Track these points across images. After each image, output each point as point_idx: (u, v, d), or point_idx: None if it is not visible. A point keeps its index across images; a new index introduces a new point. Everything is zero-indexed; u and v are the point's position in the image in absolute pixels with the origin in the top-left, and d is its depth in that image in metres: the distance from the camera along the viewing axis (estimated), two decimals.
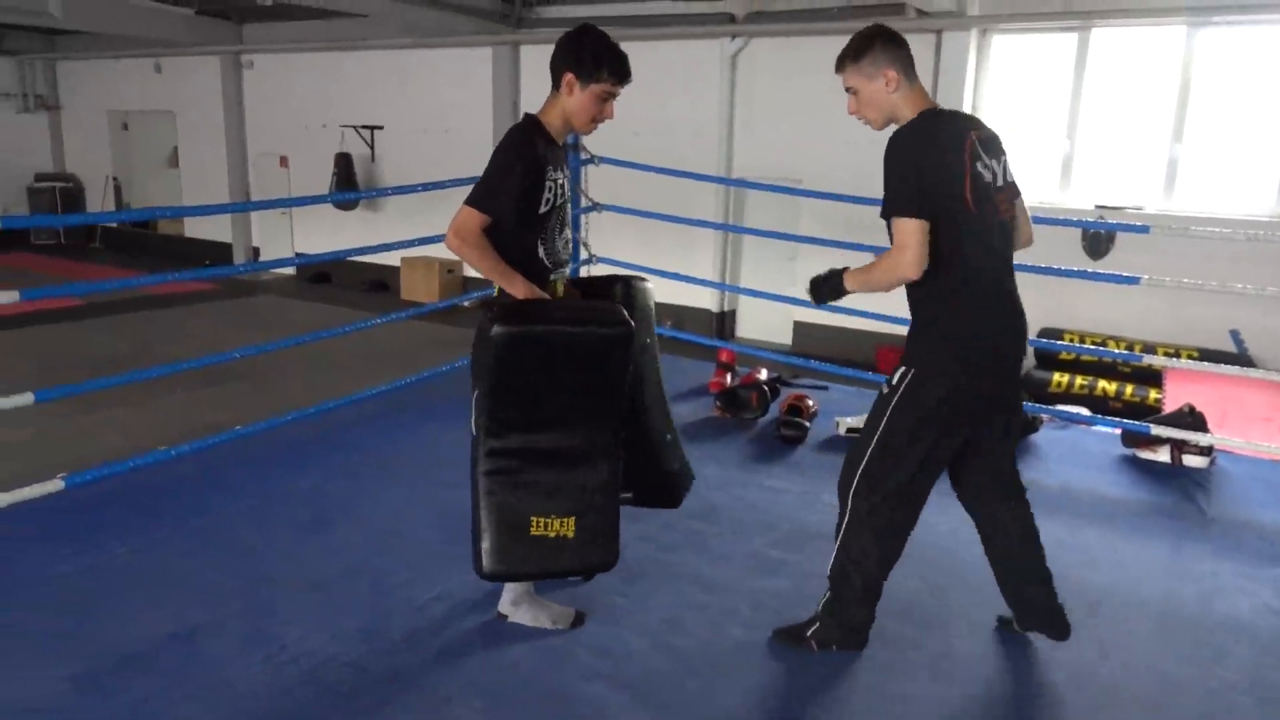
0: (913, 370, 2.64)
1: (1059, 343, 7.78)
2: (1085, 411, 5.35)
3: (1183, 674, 2.85)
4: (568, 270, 2.93)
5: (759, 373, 5.54)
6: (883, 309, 4.90)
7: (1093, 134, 8.57)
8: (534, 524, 2.69)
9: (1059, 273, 4.95)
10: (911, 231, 2.47)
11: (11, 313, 8.69)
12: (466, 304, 7.50)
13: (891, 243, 2.59)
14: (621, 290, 3.00)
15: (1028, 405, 4.47)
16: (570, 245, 2.93)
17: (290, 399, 5.13)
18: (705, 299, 10.42)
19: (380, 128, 12.74)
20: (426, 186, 5.68)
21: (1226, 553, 3.69)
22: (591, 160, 5.87)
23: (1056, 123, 8.66)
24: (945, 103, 2.68)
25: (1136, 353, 7.50)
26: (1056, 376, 8.13)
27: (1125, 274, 4.90)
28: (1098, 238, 8.25)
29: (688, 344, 6.70)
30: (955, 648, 2.94)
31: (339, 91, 12.95)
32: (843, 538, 2.76)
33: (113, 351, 7.81)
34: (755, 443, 4.86)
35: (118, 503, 3.82)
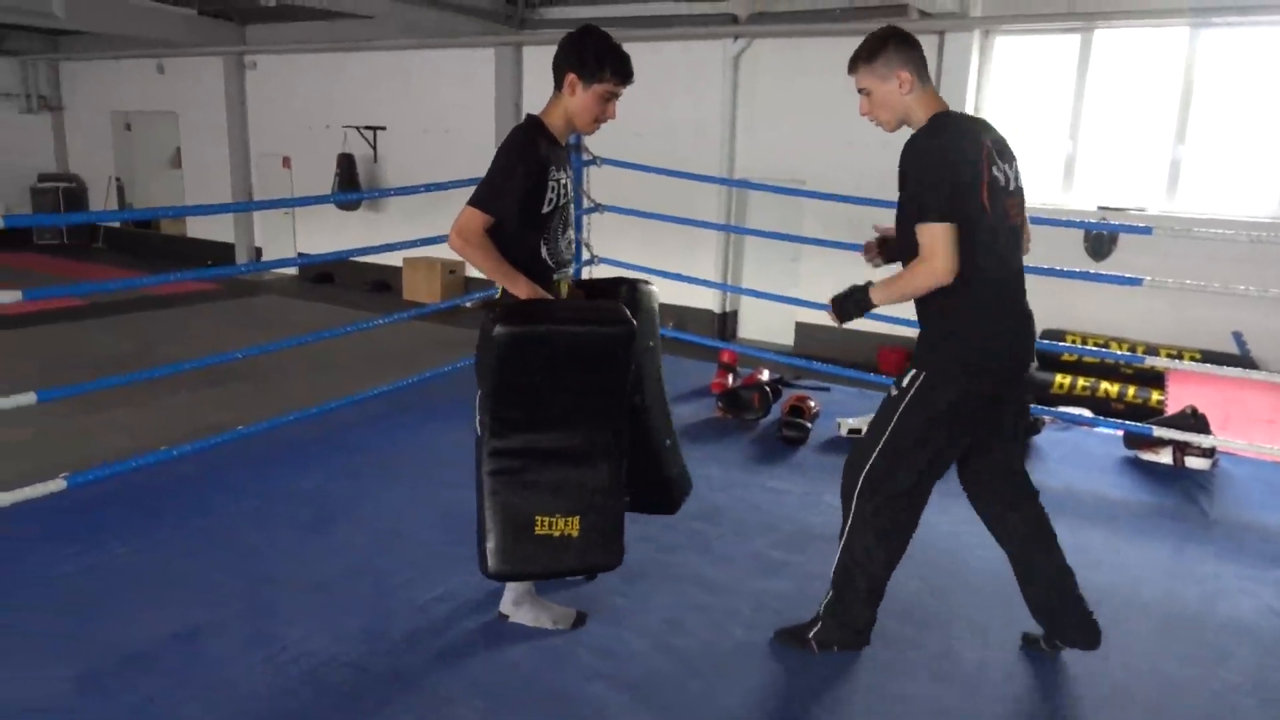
0: (924, 373, 2.62)
1: (1061, 344, 7.78)
2: (1087, 413, 5.34)
3: (1185, 675, 2.85)
4: (571, 270, 2.93)
5: (761, 374, 5.54)
6: (884, 310, 4.89)
7: (1095, 135, 8.57)
8: (538, 523, 2.69)
9: (1061, 274, 4.95)
10: (940, 235, 2.45)
11: (14, 312, 8.70)
12: (468, 305, 7.50)
13: (902, 245, 2.57)
14: (626, 292, 3.00)
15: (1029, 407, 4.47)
16: (573, 245, 2.93)
17: (292, 399, 5.13)
18: (707, 300, 10.43)
19: (383, 128, 12.75)
20: (429, 187, 5.69)
21: (1229, 555, 3.69)
22: (594, 161, 5.88)
23: (1059, 124, 8.65)
24: (948, 104, 2.67)
25: (1139, 354, 7.50)
26: (1059, 378, 8.12)
27: (1128, 275, 4.89)
28: (1100, 239, 8.25)
29: (689, 345, 6.70)
30: (955, 648, 2.94)
31: (341, 92, 12.97)
32: (846, 539, 2.75)
33: (115, 351, 7.82)
34: (757, 444, 4.86)
35: (120, 503, 3.82)
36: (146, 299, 10.63)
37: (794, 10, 9.49)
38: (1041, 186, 8.54)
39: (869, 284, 2.70)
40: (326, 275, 13.46)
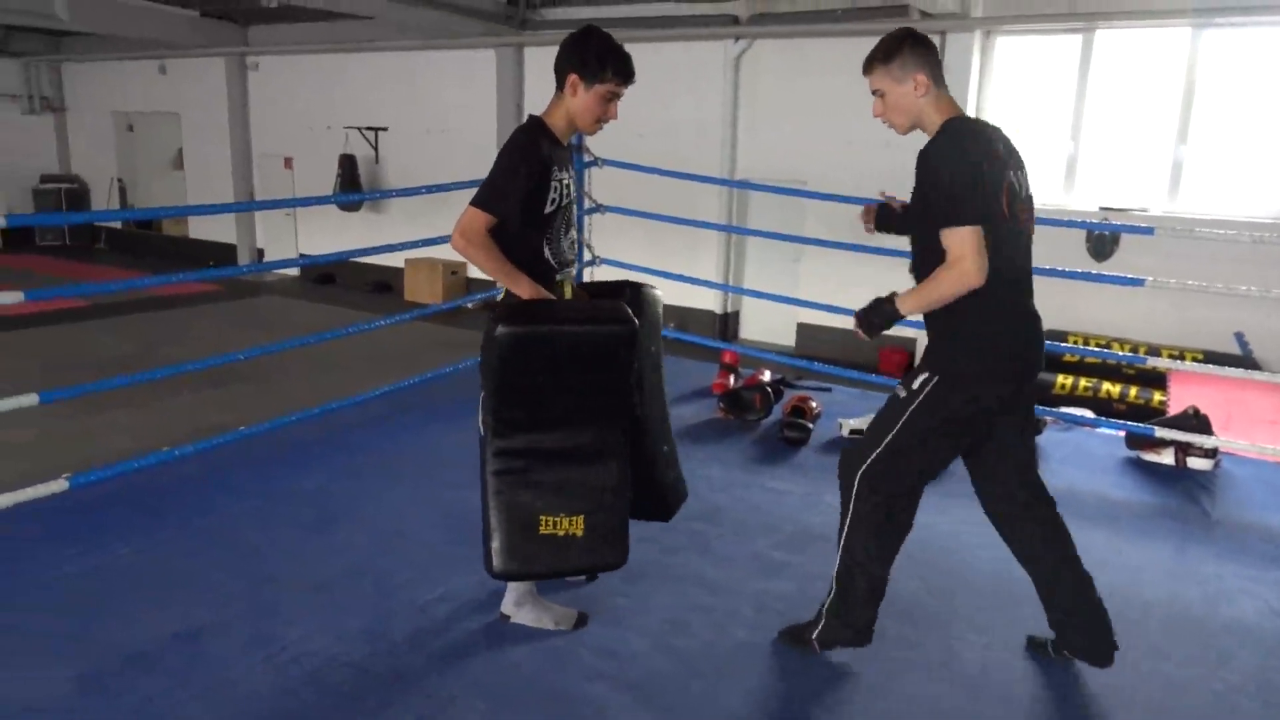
0: (937, 376, 2.60)
1: (1063, 345, 7.75)
2: (1089, 414, 5.34)
3: (1187, 676, 2.84)
4: (574, 270, 2.93)
5: (762, 374, 5.54)
6: None
7: (1097, 135, 8.57)
8: (543, 523, 2.69)
9: (1063, 274, 4.94)
10: (970, 239, 2.42)
11: (16, 313, 8.73)
12: (470, 305, 7.52)
13: (921, 249, 2.55)
14: (630, 295, 3.00)
15: None
16: (576, 246, 2.93)
17: (294, 400, 5.14)
18: (709, 300, 10.43)
19: (384, 129, 12.77)
20: (430, 188, 5.69)
21: (1231, 555, 3.68)
22: (595, 162, 5.88)
23: (1061, 124, 8.65)
24: (962, 109, 2.65)
25: (1141, 355, 7.49)
26: (1061, 378, 8.12)
27: (1130, 276, 4.89)
28: (1102, 239, 8.24)
29: (691, 345, 6.70)
30: (956, 649, 2.93)
31: (343, 93, 12.99)
32: (845, 538, 2.75)
33: (117, 352, 7.83)
34: (758, 444, 4.86)
35: (122, 503, 3.82)
36: (148, 300, 10.66)
37: (795, 11, 9.49)
38: (1043, 187, 8.54)
39: (893, 295, 2.64)
40: (328, 276, 13.47)
